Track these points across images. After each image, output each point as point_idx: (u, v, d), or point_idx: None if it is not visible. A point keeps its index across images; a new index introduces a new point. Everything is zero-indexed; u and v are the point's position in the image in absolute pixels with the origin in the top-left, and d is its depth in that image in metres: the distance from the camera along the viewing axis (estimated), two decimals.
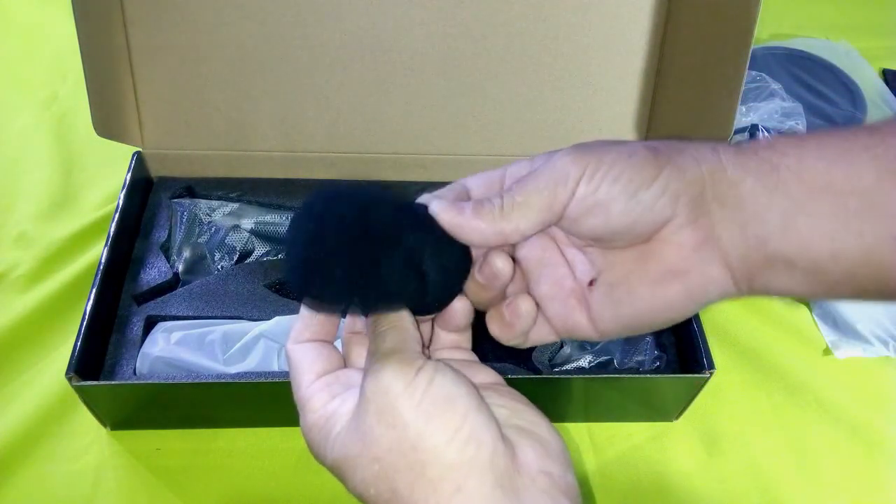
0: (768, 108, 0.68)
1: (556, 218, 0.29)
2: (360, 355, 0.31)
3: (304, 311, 0.31)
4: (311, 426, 0.29)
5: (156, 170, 0.57)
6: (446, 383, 0.27)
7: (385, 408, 0.26)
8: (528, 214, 0.28)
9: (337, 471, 0.28)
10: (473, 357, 0.33)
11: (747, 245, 0.27)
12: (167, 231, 0.54)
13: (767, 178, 0.27)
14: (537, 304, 0.32)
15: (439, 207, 0.29)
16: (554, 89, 0.56)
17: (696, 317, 0.48)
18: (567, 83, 0.56)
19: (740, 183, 0.27)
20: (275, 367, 0.46)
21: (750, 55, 0.50)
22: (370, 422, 0.26)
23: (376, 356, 0.28)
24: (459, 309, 0.31)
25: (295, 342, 0.31)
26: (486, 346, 0.55)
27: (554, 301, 0.32)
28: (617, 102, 0.57)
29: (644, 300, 0.29)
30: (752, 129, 0.66)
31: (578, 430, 0.51)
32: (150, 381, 0.44)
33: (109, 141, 0.53)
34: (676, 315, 0.29)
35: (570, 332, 0.32)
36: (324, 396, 0.29)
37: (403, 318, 0.29)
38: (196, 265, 0.53)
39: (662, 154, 0.28)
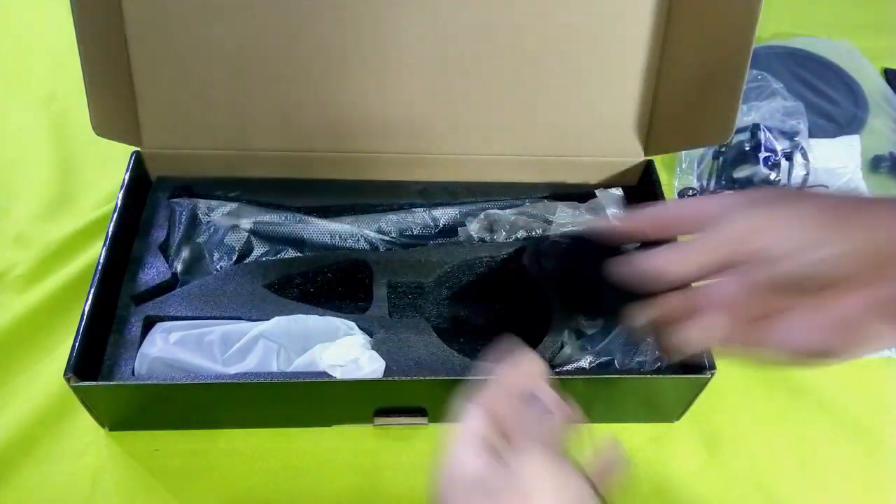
0: (770, 107, 0.68)
1: None
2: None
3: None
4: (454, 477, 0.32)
5: (154, 169, 0.57)
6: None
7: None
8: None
9: None
10: None
11: None
12: (166, 231, 0.53)
13: None
14: None
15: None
16: (554, 89, 0.56)
17: None
18: (567, 83, 0.56)
19: None
20: (274, 368, 0.46)
21: (751, 54, 0.49)
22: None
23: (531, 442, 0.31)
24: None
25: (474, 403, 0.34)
26: (486, 347, 0.55)
27: None
28: (617, 102, 0.57)
29: None
30: (754, 129, 0.65)
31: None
32: (148, 382, 0.44)
33: (108, 140, 0.53)
34: None
35: None
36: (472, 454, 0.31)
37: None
38: (195, 265, 0.53)
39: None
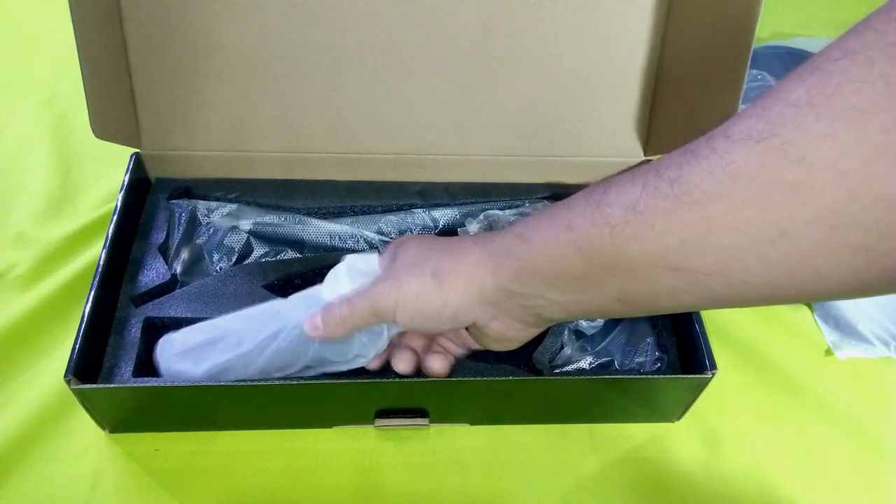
0: None
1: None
2: None
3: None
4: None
5: (154, 171, 0.57)
6: None
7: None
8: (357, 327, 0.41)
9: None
10: None
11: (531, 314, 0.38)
12: (165, 232, 0.53)
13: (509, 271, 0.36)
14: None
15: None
16: (554, 89, 0.56)
17: (698, 317, 0.48)
18: (567, 83, 0.56)
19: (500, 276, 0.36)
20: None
21: (751, 54, 0.49)
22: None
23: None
24: None
25: None
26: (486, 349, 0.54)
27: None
28: (617, 102, 0.57)
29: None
30: None
31: (579, 432, 0.51)
32: (148, 384, 0.44)
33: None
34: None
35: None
36: None
37: None
38: (194, 266, 0.53)
39: (445, 280, 0.37)
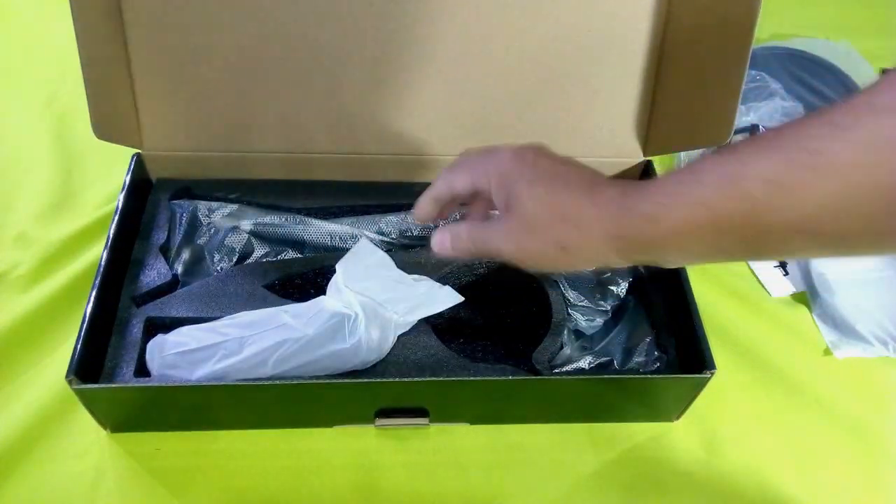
0: (768, 107, 0.68)
1: None
2: None
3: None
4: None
5: (155, 171, 0.57)
6: None
7: None
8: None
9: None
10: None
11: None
12: (166, 232, 0.54)
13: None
14: None
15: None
16: (554, 89, 0.56)
17: (697, 317, 0.48)
18: (567, 83, 0.56)
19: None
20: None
21: (750, 55, 0.50)
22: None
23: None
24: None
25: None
26: (486, 348, 0.55)
27: None
28: (617, 102, 0.57)
29: None
30: (753, 129, 0.66)
31: (579, 431, 0.51)
32: (149, 384, 0.44)
33: None
34: None
35: None
36: None
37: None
38: (195, 266, 0.53)
39: (571, 253, 0.37)
